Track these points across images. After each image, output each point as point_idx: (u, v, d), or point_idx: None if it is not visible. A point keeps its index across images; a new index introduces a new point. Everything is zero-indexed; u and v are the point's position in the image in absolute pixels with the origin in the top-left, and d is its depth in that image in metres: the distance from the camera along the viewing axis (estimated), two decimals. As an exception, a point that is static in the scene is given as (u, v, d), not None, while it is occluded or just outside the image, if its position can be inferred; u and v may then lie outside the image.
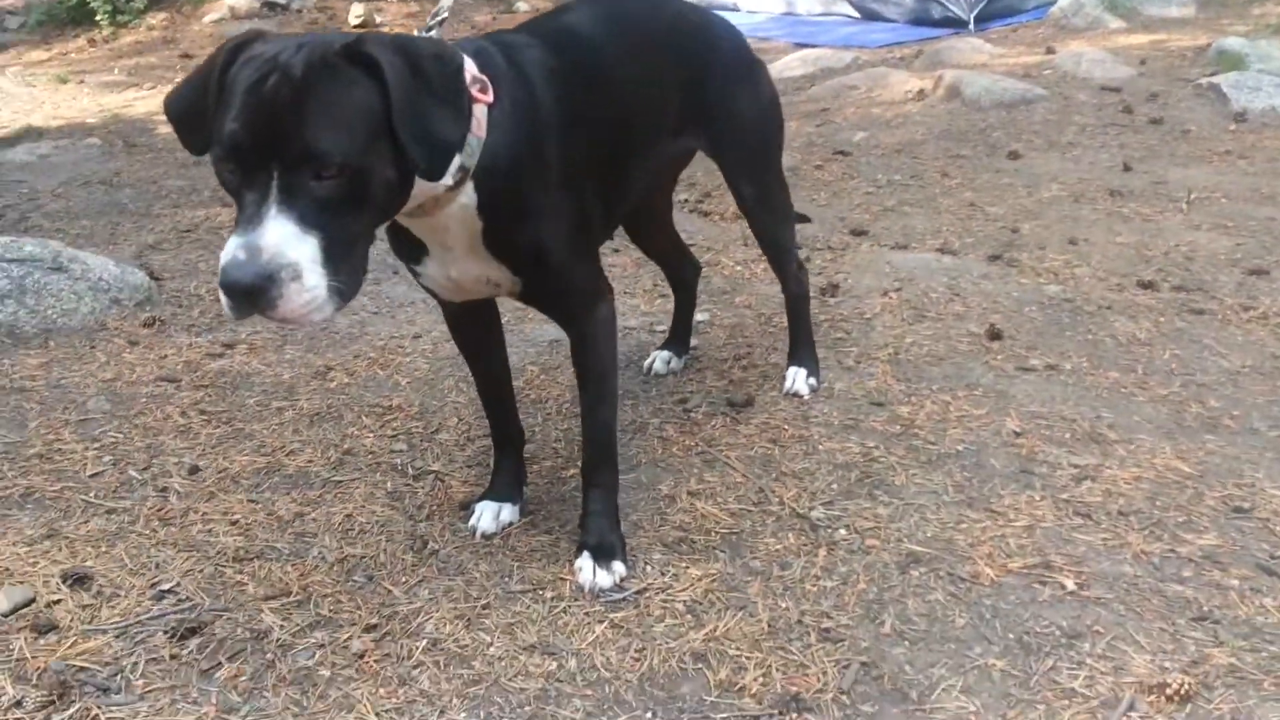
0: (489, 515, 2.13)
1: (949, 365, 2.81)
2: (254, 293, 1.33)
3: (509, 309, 2.71)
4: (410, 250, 1.82)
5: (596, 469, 2.03)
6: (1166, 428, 2.47)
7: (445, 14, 1.79)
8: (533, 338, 3.02)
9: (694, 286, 2.86)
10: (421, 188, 1.54)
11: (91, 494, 2.28)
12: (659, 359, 2.82)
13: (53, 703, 1.66)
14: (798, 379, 2.67)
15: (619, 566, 1.96)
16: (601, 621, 1.87)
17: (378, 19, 10.85)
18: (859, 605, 1.90)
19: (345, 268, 1.40)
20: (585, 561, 1.96)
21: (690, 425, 2.55)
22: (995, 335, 2.96)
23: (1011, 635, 1.81)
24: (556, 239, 1.81)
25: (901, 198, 4.34)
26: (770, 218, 2.47)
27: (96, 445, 2.49)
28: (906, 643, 1.80)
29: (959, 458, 2.36)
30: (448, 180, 1.58)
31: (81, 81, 8.15)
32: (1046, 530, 2.09)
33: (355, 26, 10.53)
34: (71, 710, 1.66)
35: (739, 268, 3.59)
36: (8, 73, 8.36)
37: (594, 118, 1.87)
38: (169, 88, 1.58)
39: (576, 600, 1.93)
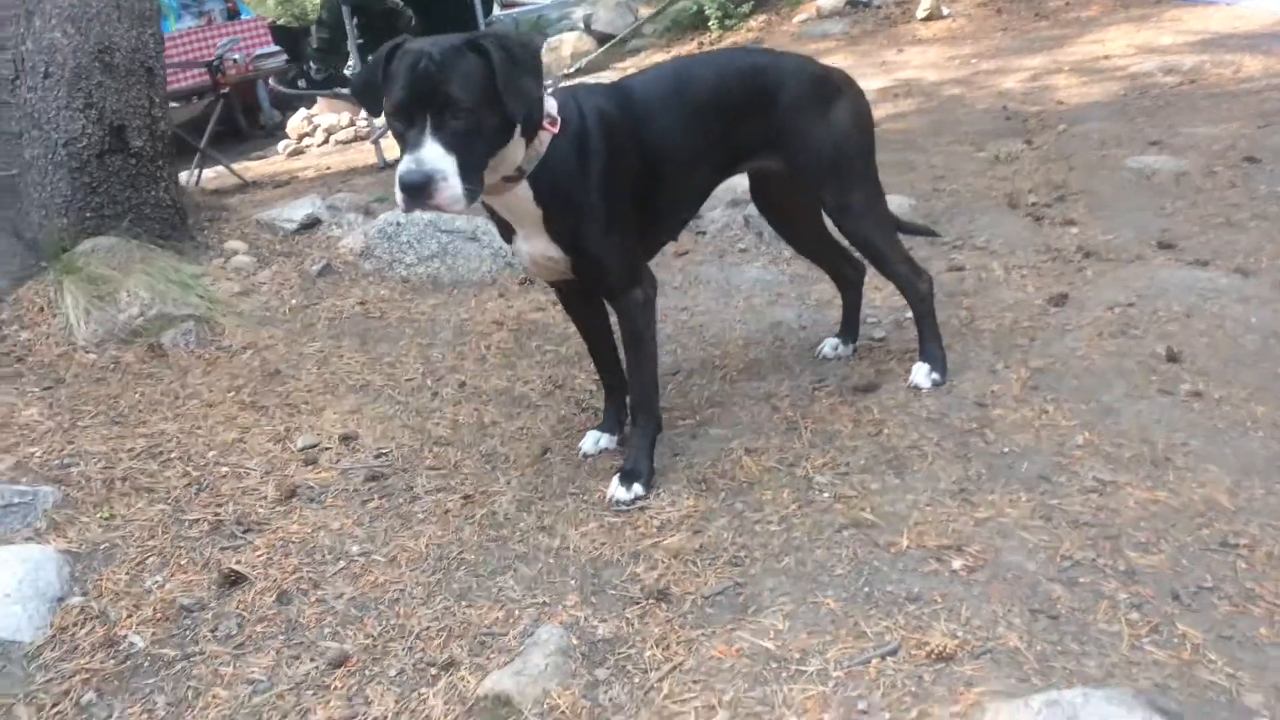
0: (591, 440, 2.86)
1: (1092, 380, 2.88)
2: (420, 189, 2.07)
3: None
4: (506, 233, 2.59)
5: (639, 411, 2.67)
6: (1251, 465, 2.39)
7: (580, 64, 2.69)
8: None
9: (858, 284, 3.25)
10: (495, 161, 2.25)
11: (395, 390, 3.42)
12: (828, 345, 3.27)
13: (283, 499, 2.77)
14: (919, 373, 2.97)
15: (637, 488, 2.59)
16: (598, 521, 2.53)
17: (944, 10, 11.32)
18: (777, 545, 2.33)
19: (472, 178, 2.12)
20: (615, 479, 2.62)
21: (805, 400, 3.00)
22: (1173, 358, 2.92)
23: (866, 589, 2.14)
24: (594, 232, 2.48)
25: (1271, 211, 4.01)
26: (853, 224, 2.83)
27: (421, 360, 3.64)
28: (784, 577, 2.22)
29: (995, 457, 2.56)
30: (510, 170, 2.34)
31: None
32: (995, 524, 2.29)
33: (923, 19, 11.21)
34: (289, 505, 2.74)
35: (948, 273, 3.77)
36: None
37: (633, 151, 2.51)
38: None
39: (597, 505, 2.60)
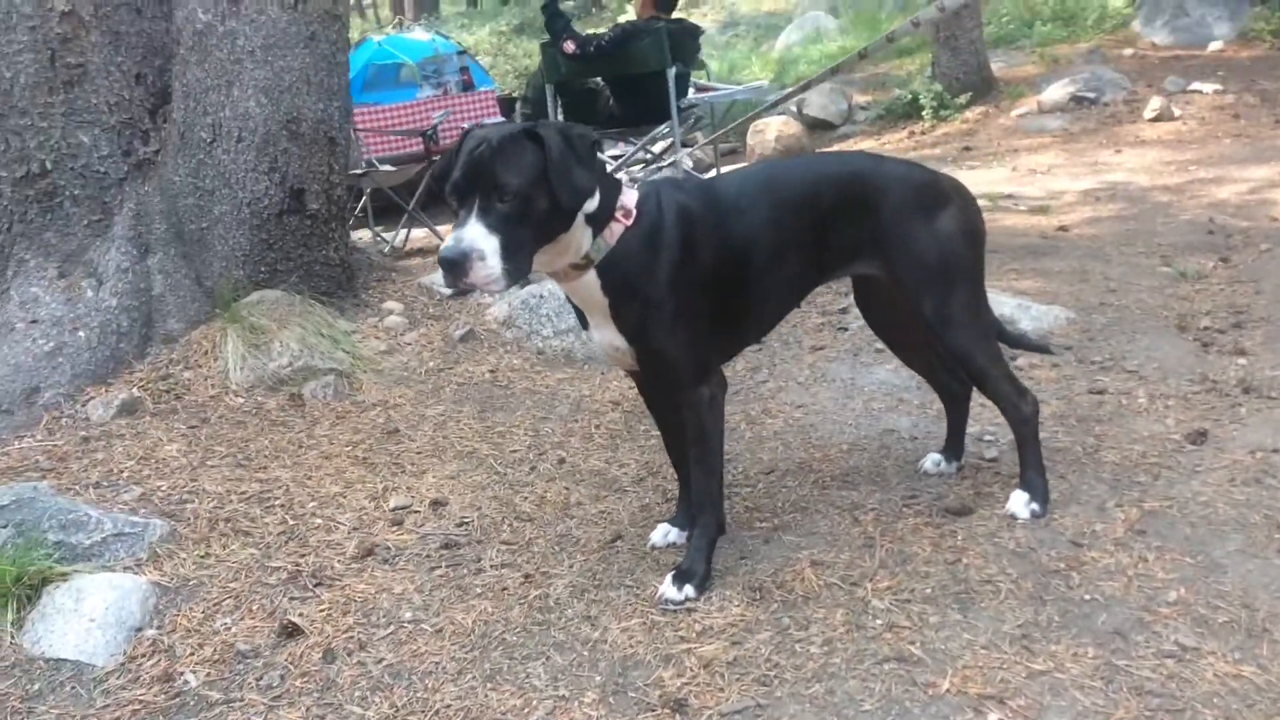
0: (660, 533, 2.85)
1: (1206, 531, 2.64)
2: (455, 265, 2.12)
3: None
4: (583, 320, 2.57)
5: (700, 511, 2.64)
6: None
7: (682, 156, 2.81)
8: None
9: (963, 400, 3.10)
10: (558, 248, 2.32)
11: (497, 460, 3.52)
12: (930, 460, 3.13)
13: (359, 557, 2.89)
14: (1017, 502, 2.80)
15: (689, 589, 2.54)
16: (643, 618, 2.51)
17: (1175, 111, 10.79)
18: (812, 669, 2.23)
19: (515, 261, 2.17)
20: (668, 577, 2.59)
21: (890, 516, 2.87)
22: (1311, 516, 2.64)
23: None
24: (660, 326, 2.48)
25: None
26: (953, 336, 2.69)
27: (531, 433, 3.73)
28: (808, 705, 2.12)
29: (1073, 604, 2.37)
30: (577, 258, 2.39)
31: None
32: (1049, 679, 2.12)
33: (1150, 119, 10.75)
34: (363, 564, 2.86)
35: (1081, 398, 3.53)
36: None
37: (712, 249, 2.52)
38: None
39: (647, 601, 2.58)
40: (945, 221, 2.68)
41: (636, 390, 2.90)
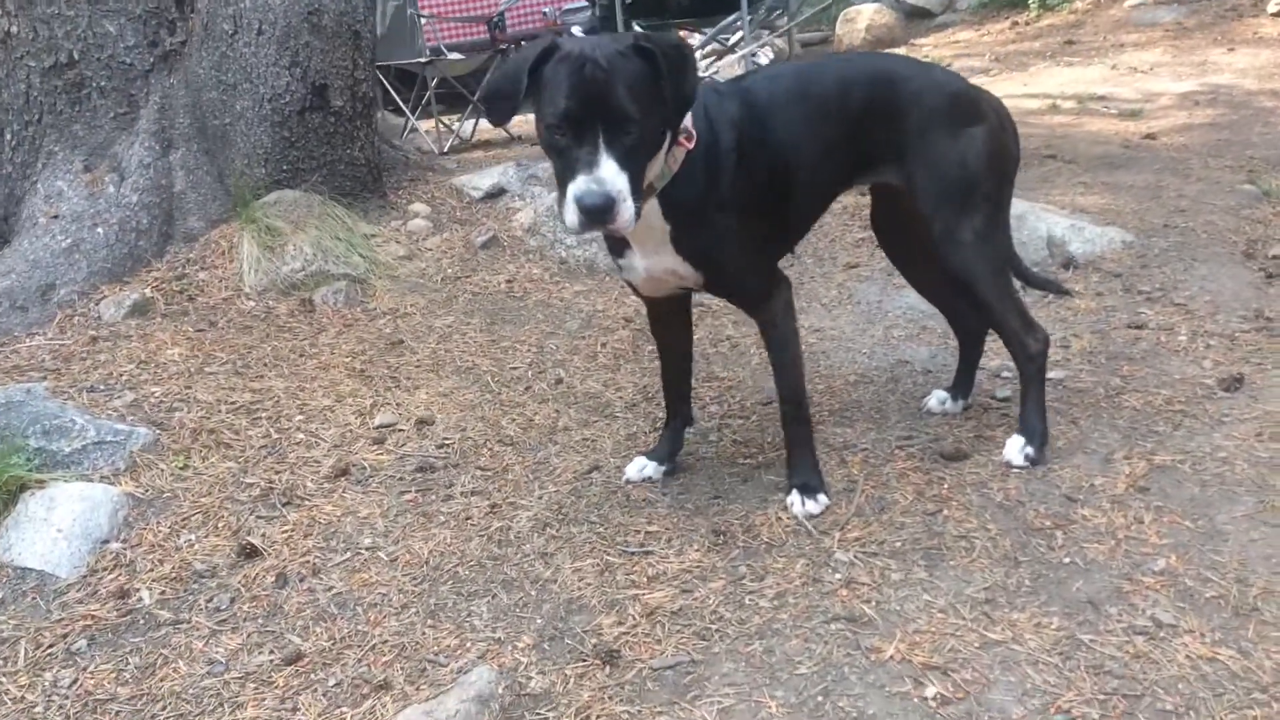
0: (636, 466, 2.74)
1: (1216, 492, 2.43)
2: (603, 211, 1.93)
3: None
4: (618, 246, 2.38)
5: (791, 423, 2.54)
6: None
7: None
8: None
9: (977, 335, 2.89)
10: None
11: (495, 377, 3.44)
12: (934, 398, 2.95)
13: (333, 477, 2.85)
14: (1012, 448, 2.62)
15: (823, 498, 2.49)
16: (598, 558, 2.42)
17: None
18: (756, 624, 2.12)
19: (637, 194, 2.01)
20: (795, 496, 2.49)
21: (880, 459, 2.72)
22: (1334, 481, 2.41)
23: (819, 698, 1.91)
24: (730, 247, 2.34)
25: None
26: (960, 258, 2.48)
27: (534, 350, 3.63)
28: (743, 664, 2.02)
29: (1049, 568, 2.21)
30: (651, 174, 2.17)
31: (949, 64, 9.37)
32: (1002, 650, 1.98)
33: (1274, 13, 10.01)
34: (335, 484, 2.82)
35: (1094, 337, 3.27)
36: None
37: (762, 160, 2.36)
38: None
39: (606, 539, 2.49)
40: (973, 138, 2.46)
41: (649, 318, 2.77)
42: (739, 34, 8.00)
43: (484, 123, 8.90)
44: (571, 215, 1.97)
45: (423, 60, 8.63)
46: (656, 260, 2.35)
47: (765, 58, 10.69)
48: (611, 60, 1.99)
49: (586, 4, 10.82)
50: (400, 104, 8.57)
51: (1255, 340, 3.16)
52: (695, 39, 8.64)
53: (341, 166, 4.53)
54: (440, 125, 8.31)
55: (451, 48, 9.51)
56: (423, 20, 9.24)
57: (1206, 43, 9.48)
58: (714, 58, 9.31)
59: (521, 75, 2.03)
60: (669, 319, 2.68)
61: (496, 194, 4.89)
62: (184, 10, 4.50)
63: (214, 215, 4.28)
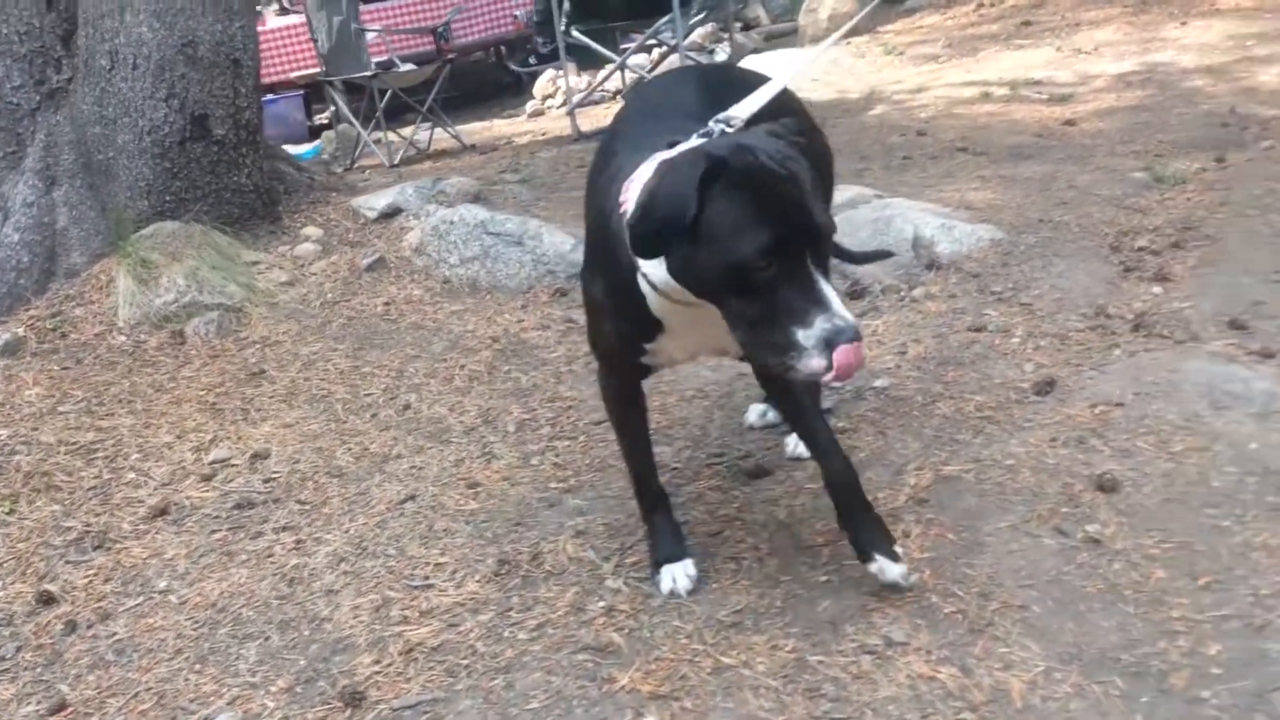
0: (680, 575, 2.27)
1: (992, 503, 2.43)
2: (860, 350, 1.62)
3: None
4: (644, 332, 1.99)
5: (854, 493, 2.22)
6: (1085, 647, 1.93)
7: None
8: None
9: None
10: None
11: (346, 405, 3.47)
12: (754, 411, 2.95)
13: (151, 517, 2.89)
14: (799, 444, 2.64)
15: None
16: (378, 594, 2.45)
17: None
18: (508, 657, 2.14)
19: None
20: (885, 562, 2.13)
21: (686, 478, 2.74)
22: (1106, 488, 2.40)
23: None
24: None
25: None
26: None
27: (394, 375, 3.66)
28: (481, 702, 2.05)
29: (808, 586, 2.22)
30: None
31: (902, 54, 9.35)
32: (730, 676, 1.99)
33: None
34: (152, 525, 2.86)
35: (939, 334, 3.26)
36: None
37: None
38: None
39: (397, 573, 2.52)
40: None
41: (619, 385, 2.29)
42: (673, 34, 7.94)
43: (439, 132, 8.95)
44: (818, 360, 1.59)
45: (368, 74, 8.68)
46: (712, 334, 1.91)
47: (723, 54, 10.65)
48: (793, 168, 1.68)
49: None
50: (350, 118, 8.64)
51: (1086, 339, 3.15)
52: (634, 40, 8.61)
53: (228, 194, 4.57)
54: (397, 137, 8.38)
55: (401, 59, 9.56)
56: (371, 34, 9.30)
57: (1162, 18, 9.39)
58: (651, 62, 9.30)
59: (689, 198, 1.62)
60: (635, 396, 2.33)
61: (392, 214, 4.93)
62: (70, 47, 4.55)
63: (96, 250, 4.33)
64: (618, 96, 9.21)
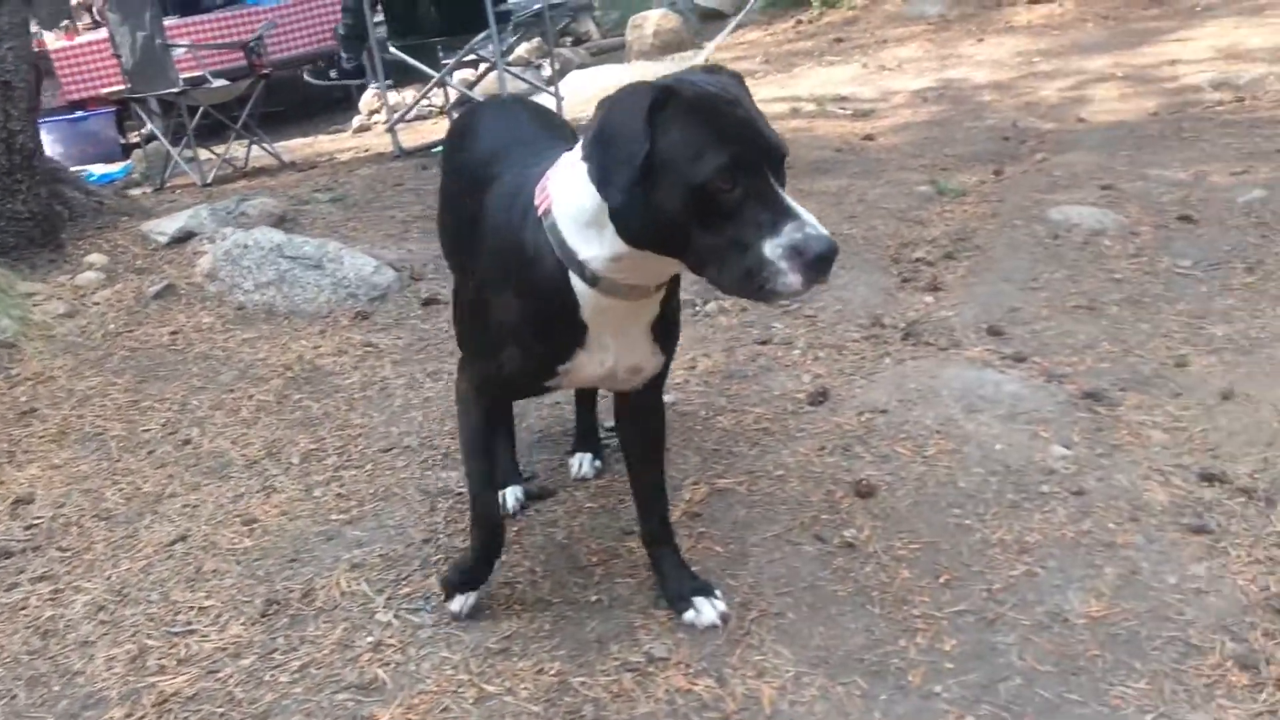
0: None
1: (761, 513, 2.50)
2: (834, 255, 1.55)
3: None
4: (563, 350, 1.90)
5: (668, 525, 2.28)
6: (830, 651, 2.01)
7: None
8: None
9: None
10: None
11: (122, 443, 3.30)
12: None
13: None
14: (584, 463, 2.68)
15: (719, 603, 2.16)
16: (135, 643, 2.34)
17: None
18: (265, 700, 2.09)
19: None
20: (701, 602, 2.16)
21: (466, 507, 2.71)
22: (864, 493, 2.51)
23: None
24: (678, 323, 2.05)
25: (1151, 291, 3.45)
26: None
27: (176, 408, 3.51)
28: None
29: (574, 607, 2.23)
30: None
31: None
32: (475, 706, 1.99)
33: (1030, 1, 10.39)
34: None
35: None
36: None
37: None
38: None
39: (154, 620, 2.41)
40: None
41: (488, 410, 2.16)
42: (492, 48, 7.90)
43: (257, 150, 8.67)
44: (793, 274, 1.52)
45: (176, 90, 8.36)
46: (634, 351, 1.93)
47: (548, 69, 10.67)
48: (738, 94, 1.67)
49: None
50: (160, 135, 8.31)
51: (861, 349, 3.28)
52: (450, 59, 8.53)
53: (1, 223, 4.31)
54: (211, 155, 8.10)
55: (214, 75, 9.23)
56: (180, 50, 8.96)
57: (962, 35, 9.91)
58: (468, 81, 9.26)
59: (640, 129, 1.57)
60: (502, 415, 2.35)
61: (184, 238, 4.74)
62: None
63: None
64: (444, 112, 9.12)
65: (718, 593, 2.16)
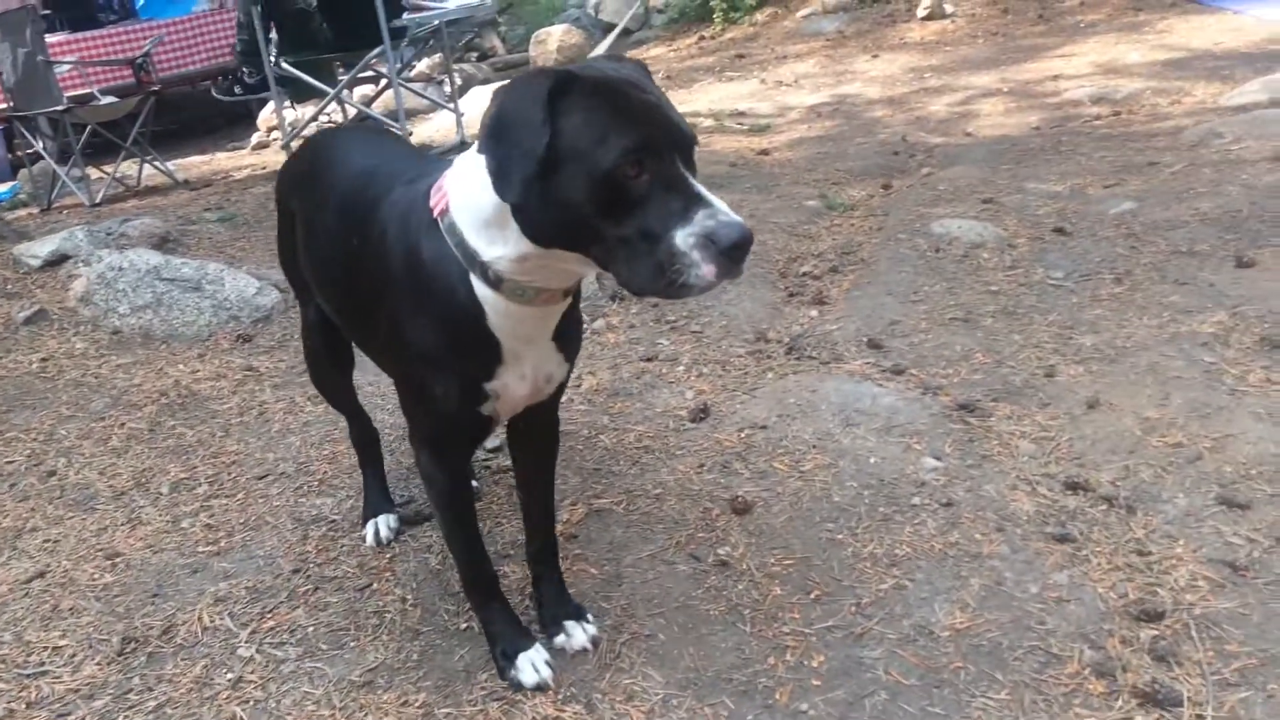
0: (539, 662, 2.09)
1: (637, 533, 2.48)
2: (749, 243, 1.44)
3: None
4: (483, 367, 1.79)
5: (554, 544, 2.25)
6: (706, 669, 1.99)
7: None
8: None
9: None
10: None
11: (-22, 476, 3.15)
12: (372, 527, 2.62)
13: None
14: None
15: (590, 627, 2.15)
16: (-14, 685, 2.22)
17: (947, 9, 10.77)
18: (111, 716, 2.00)
19: None
20: (575, 625, 2.16)
21: (343, 533, 2.65)
22: (741, 509, 2.51)
23: None
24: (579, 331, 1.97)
25: (1025, 303, 3.54)
26: None
27: (42, 439, 3.37)
28: None
29: (443, 637, 2.19)
30: None
31: None
32: None
33: (922, 18, 10.65)
34: None
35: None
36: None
37: None
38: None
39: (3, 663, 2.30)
40: None
41: (454, 469, 2.01)
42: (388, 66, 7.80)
43: (150, 169, 8.44)
44: (705, 265, 1.42)
45: (60, 108, 8.10)
46: (544, 361, 1.85)
47: (449, 85, 10.58)
48: (642, 80, 1.58)
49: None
50: (45, 154, 8.04)
51: (745, 364, 3.29)
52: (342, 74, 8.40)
53: None
54: (101, 174, 7.85)
55: (103, 92, 8.96)
56: (64, 68, 8.68)
57: (858, 51, 10.11)
58: (362, 99, 9.14)
59: (539, 118, 1.46)
60: (467, 479, 2.18)
61: (57, 261, 4.57)
62: None
63: None
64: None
65: (589, 616, 2.14)
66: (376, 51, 7.61)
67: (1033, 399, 2.88)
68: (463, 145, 7.89)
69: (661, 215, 1.45)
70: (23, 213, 7.36)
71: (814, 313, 3.67)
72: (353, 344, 2.39)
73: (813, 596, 2.19)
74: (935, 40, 10.00)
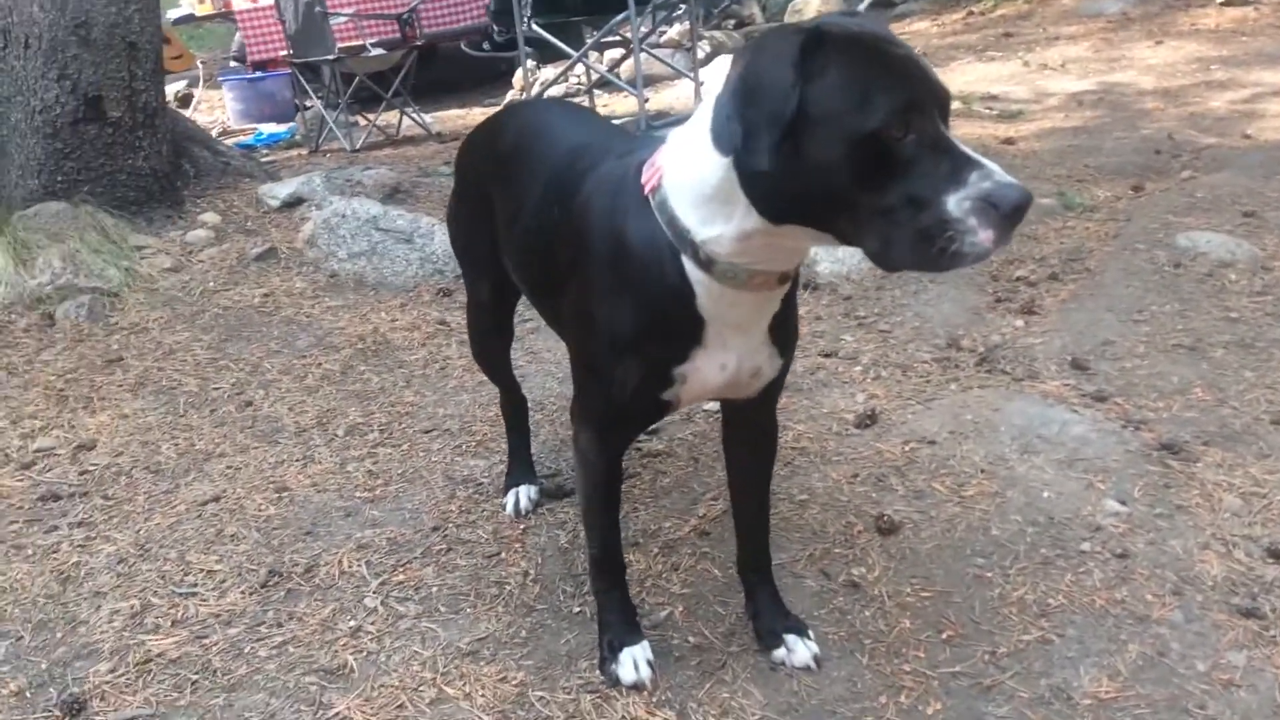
0: (641, 660, 2.01)
1: (774, 538, 2.36)
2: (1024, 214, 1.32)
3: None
4: (679, 349, 1.66)
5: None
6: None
7: None
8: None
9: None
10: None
11: (191, 399, 3.42)
12: (516, 496, 2.63)
13: (-37, 502, 2.85)
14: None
15: (812, 644, 2.02)
16: (174, 613, 2.41)
17: None
18: (239, 672, 2.11)
19: None
20: (797, 640, 2.03)
21: (481, 498, 2.69)
22: (885, 529, 2.36)
23: None
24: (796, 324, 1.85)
25: (1268, 335, 3.14)
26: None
27: (249, 370, 3.61)
28: (200, 691, 2.01)
29: (555, 618, 2.17)
30: None
31: None
32: (431, 706, 1.95)
33: (1221, 3, 9.85)
34: (-38, 509, 2.83)
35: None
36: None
37: None
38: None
39: (173, 583, 2.48)
40: None
41: (610, 459, 1.92)
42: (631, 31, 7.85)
43: (408, 120, 8.91)
44: (984, 231, 1.29)
45: (331, 58, 8.66)
46: (753, 352, 1.71)
47: (702, 52, 10.55)
48: (892, 34, 1.44)
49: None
50: (315, 100, 8.65)
51: (928, 371, 3.09)
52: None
53: (123, 177, 4.53)
54: (365, 121, 8.39)
55: (376, 45, 9.51)
56: (342, 18, 9.25)
57: (1140, 35, 9.32)
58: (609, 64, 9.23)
59: (788, 79, 1.34)
60: (620, 468, 1.99)
61: (294, 203, 4.88)
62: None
63: (-15, 228, 4.28)
64: (593, 90, 9.18)
65: (810, 634, 1.99)
66: (621, 16, 7.65)
67: (1251, 447, 2.53)
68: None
69: (930, 179, 1.32)
70: (294, 153, 7.93)
71: (1019, 323, 3.39)
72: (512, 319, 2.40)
73: (944, 636, 2.01)
74: (1232, 29, 9.03)
